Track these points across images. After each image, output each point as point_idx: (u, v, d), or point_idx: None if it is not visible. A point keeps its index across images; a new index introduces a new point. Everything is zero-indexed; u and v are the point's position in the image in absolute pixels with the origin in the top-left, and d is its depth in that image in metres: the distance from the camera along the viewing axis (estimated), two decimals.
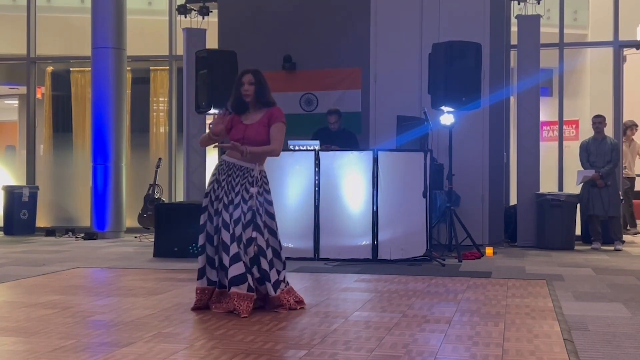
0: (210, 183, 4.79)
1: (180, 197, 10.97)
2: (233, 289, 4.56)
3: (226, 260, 4.60)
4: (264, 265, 4.67)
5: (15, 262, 7.42)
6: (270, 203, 4.80)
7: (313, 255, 7.50)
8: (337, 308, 4.86)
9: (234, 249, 4.58)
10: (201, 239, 4.77)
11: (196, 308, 4.72)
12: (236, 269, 4.56)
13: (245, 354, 3.55)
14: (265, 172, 4.84)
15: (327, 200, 7.53)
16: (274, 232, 4.79)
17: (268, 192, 4.80)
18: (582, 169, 9.21)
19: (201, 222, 4.78)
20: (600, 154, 9.12)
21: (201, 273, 4.76)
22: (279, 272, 4.78)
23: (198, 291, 4.77)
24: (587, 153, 9.20)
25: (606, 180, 9.01)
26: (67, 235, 10.48)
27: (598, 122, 9.22)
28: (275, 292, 4.69)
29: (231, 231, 4.60)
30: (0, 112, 16.23)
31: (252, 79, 4.79)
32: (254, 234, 4.67)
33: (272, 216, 4.80)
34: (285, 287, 4.82)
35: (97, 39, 10.29)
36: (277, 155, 4.89)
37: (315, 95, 9.89)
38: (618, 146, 9.33)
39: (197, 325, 4.26)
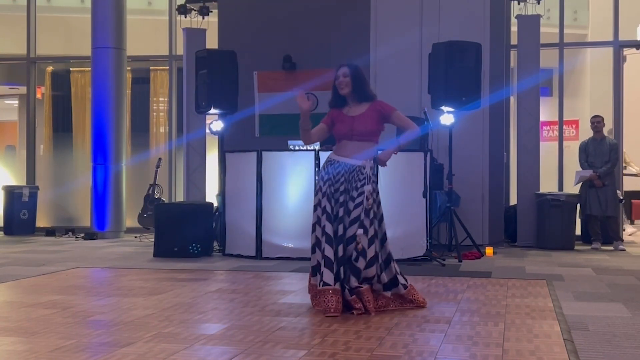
0: (326, 182, 4.74)
1: (180, 197, 10.97)
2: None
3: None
4: (360, 264, 4.61)
5: (15, 262, 7.42)
6: (378, 193, 4.81)
7: None
8: None
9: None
10: (313, 238, 4.77)
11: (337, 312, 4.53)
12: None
13: (246, 354, 3.55)
14: (372, 165, 4.84)
15: None
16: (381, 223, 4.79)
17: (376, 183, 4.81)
18: (580, 169, 9.21)
19: (313, 220, 4.78)
20: (599, 154, 9.11)
21: (315, 270, 4.72)
22: (396, 270, 4.80)
23: (330, 292, 4.56)
24: (586, 154, 9.20)
25: (604, 180, 9.01)
26: (67, 235, 10.48)
27: (596, 122, 9.21)
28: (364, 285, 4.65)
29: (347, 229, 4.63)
30: (0, 112, 16.22)
31: (347, 71, 4.82)
32: (359, 231, 4.63)
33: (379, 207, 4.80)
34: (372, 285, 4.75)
35: (97, 39, 10.29)
36: (419, 129, 4.91)
37: (315, 95, 9.89)
38: (617, 146, 9.32)
39: (197, 325, 4.26)
